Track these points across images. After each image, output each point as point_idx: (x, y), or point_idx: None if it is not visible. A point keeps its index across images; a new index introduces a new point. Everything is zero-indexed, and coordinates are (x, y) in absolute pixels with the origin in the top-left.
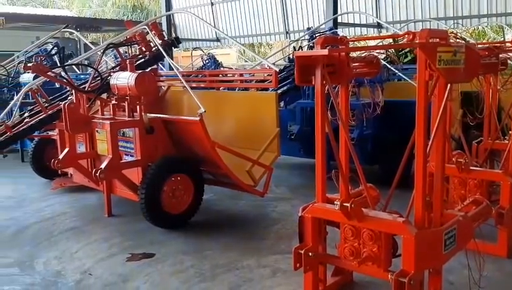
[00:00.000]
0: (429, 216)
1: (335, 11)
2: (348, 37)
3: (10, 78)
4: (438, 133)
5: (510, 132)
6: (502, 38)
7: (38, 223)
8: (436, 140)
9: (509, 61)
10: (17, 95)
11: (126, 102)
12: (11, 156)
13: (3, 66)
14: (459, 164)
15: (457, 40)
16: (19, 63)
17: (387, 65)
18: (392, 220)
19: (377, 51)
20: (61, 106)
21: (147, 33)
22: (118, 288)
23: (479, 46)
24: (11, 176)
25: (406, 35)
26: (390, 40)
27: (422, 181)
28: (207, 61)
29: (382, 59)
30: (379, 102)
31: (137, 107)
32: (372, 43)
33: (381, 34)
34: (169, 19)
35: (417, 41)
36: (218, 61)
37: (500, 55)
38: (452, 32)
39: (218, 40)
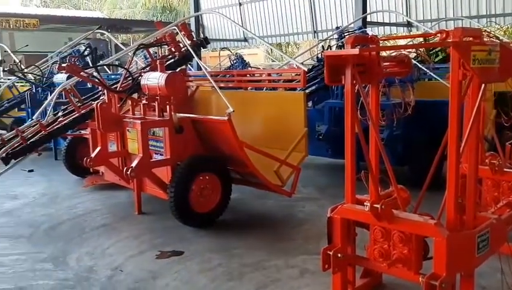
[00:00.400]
0: (461, 219)
1: (364, 10)
2: (378, 36)
3: (44, 79)
4: (471, 134)
5: None
6: None
7: (71, 219)
8: (469, 141)
9: None
10: (50, 95)
11: (156, 102)
12: (45, 155)
13: (38, 66)
14: (492, 165)
15: (491, 38)
16: (52, 64)
17: (418, 64)
18: (424, 222)
19: (408, 50)
20: (94, 105)
21: (177, 34)
22: (148, 284)
23: None
24: (45, 173)
25: (439, 34)
26: (421, 39)
27: (455, 183)
28: (234, 61)
29: (413, 58)
30: (410, 102)
31: (167, 106)
32: (402, 42)
33: (411, 33)
34: (198, 20)
35: (450, 40)
36: (245, 61)
37: None
38: (485, 31)
39: (245, 40)
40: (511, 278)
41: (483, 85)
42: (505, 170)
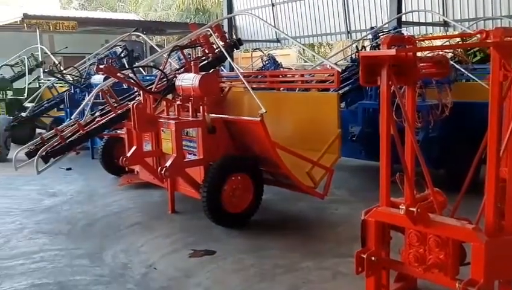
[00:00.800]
0: (500, 224)
1: (399, 10)
2: (414, 36)
3: (82, 80)
4: (511, 137)
5: None
6: None
7: (107, 217)
8: (509, 144)
9: None
10: (88, 95)
11: (190, 102)
12: (83, 153)
13: (76, 68)
14: None
15: None
16: (90, 65)
17: (456, 65)
18: (461, 227)
19: (446, 50)
20: (130, 105)
21: (210, 35)
22: (181, 283)
23: None
24: (82, 172)
25: (478, 35)
26: (458, 39)
27: (494, 187)
28: (267, 62)
29: (450, 59)
30: (447, 103)
31: (201, 107)
32: (438, 42)
33: (448, 33)
34: (231, 21)
35: (491, 41)
36: (277, 61)
37: None
38: None
39: (278, 40)
40: None
41: None
42: None
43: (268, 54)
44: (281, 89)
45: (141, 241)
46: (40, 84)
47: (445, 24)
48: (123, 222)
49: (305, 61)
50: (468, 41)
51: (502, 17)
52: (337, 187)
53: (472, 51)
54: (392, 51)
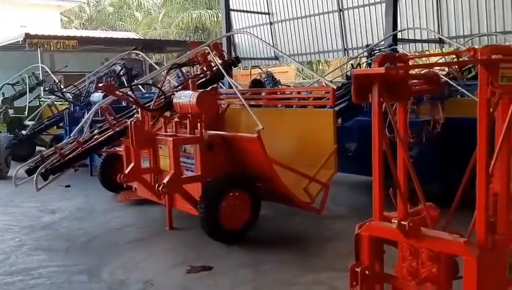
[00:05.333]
0: (492, 238)
1: (395, 27)
2: (408, 54)
3: (82, 98)
4: (501, 151)
5: None
6: None
7: (105, 233)
8: (499, 158)
9: None
10: (88, 113)
11: (188, 119)
12: (81, 170)
13: (76, 86)
14: None
15: None
16: (90, 83)
17: (449, 81)
18: (453, 240)
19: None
20: (128, 123)
21: (208, 53)
22: None
23: None
24: (81, 188)
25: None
26: (453, 56)
27: (484, 201)
28: (265, 79)
29: (444, 75)
30: (439, 119)
31: (198, 124)
32: (434, 59)
33: (443, 50)
34: (230, 39)
35: (478, 58)
36: (276, 79)
37: None
38: None
39: (276, 58)
40: None
41: None
42: None
43: (267, 72)
44: (279, 106)
45: (139, 258)
46: (41, 102)
47: (441, 41)
48: (122, 238)
49: (304, 78)
50: (460, 59)
51: (496, 34)
52: (334, 203)
53: (467, 67)
54: (382, 70)
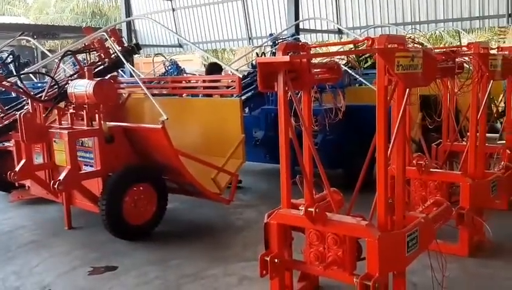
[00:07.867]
0: (392, 219)
1: (296, 18)
2: (309, 43)
3: None
4: (398, 136)
5: (468, 134)
6: (458, 43)
7: None
8: (396, 143)
9: (465, 65)
10: None
11: (84, 110)
12: None
13: None
14: (419, 166)
15: (415, 45)
16: None
17: (348, 70)
18: (356, 224)
19: (338, 56)
20: (17, 116)
21: (106, 40)
22: None
23: (436, 50)
24: None
25: (366, 41)
26: (351, 46)
27: (384, 184)
28: (169, 67)
29: (343, 65)
30: (340, 107)
31: (96, 115)
32: (333, 48)
33: (342, 40)
34: (130, 25)
35: (376, 47)
36: (180, 67)
37: (457, 59)
38: (410, 38)
39: (180, 46)
40: (440, 273)
41: (407, 90)
42: (432, 170)
43: (171, 60)
44: (184, 95)
45: (35, 261)
46: None
47: (340, 31)
48: (15, 241)
49: None
50: (358, 48)
51: (389, 25)
52: (243, 192)
53: (364, 56)
54: (286, 58)
